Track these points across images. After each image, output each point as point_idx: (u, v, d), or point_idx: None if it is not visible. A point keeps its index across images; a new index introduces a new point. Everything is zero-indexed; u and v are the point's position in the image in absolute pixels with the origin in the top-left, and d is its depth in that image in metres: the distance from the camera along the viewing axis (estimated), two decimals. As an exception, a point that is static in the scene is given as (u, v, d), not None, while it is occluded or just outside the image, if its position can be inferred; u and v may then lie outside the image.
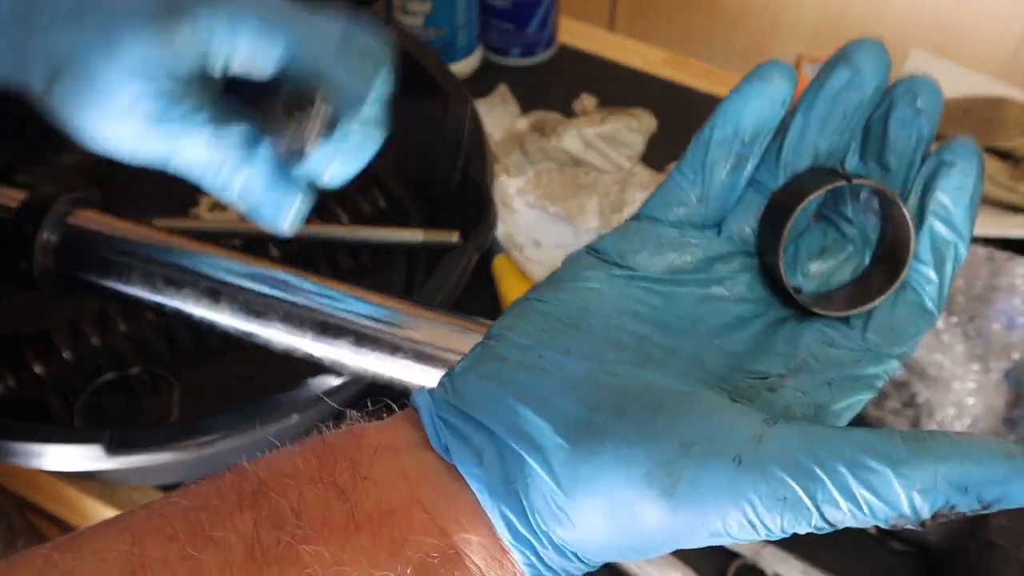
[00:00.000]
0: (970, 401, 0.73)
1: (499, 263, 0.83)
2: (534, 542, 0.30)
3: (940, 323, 0.76)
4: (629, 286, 0.34)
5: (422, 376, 0.58)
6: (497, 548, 0.30)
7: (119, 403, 0.74)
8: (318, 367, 0.60)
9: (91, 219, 0.65)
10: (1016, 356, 0.75)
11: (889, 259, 0.35)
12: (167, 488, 0.71)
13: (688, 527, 0.28)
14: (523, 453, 0.29)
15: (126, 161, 0.49)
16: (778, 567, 0.68)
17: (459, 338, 0.58)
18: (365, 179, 0.90)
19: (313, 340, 0.59)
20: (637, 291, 0.34)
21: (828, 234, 0.38)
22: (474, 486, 0.30)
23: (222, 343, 0.74)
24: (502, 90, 1.00)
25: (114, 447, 0.58)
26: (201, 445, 0.59)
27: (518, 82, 1.01)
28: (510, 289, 0.82)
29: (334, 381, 0.61)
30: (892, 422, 0.76)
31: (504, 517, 0.30)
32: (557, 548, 0.30)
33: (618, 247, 0.35)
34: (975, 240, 0.79)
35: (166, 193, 0.88)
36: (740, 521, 0.27)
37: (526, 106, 0.98)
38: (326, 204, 0.84)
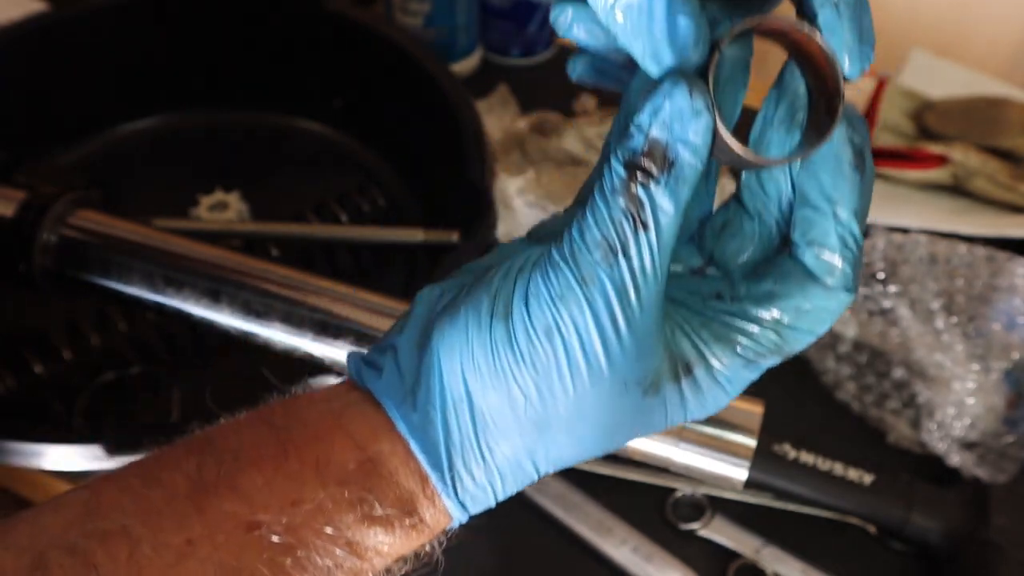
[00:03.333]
0: (970, 401, 0.73)
1: (499, 263, 0.83)
2: (434, 438, 0.34)
3: (940, 323, 0.76)
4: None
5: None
6: (407, 452, 0.34)
7: (119, 403, 0.74)
8: (318, 367, 0.60)
9: (91, 219, 0.65)
10: (1016, 356, 0.75)
11: (819, 106, 0.33)
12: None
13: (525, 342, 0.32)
14: (392, 354, 0.35)
15: None
16: (778, 567, 0.68)
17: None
18: (365, 179, 0.90)
19: (313, 340, 0.59)
20: None
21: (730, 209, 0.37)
22: (380, 400, 0.35)
23: (222, 343, 0.74)
24: (502, 90, 1.00)
25: (114, 447, 0.58)
26: (201, 445, 0.59)
27: (518, 82, 1.01)
28: (510, 289, 0.82)
29: (334, 381, 0.61)
30: (892, 422, 0.76)
31: (404, 418, 0.34)
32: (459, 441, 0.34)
33: (548, 227, 0.38)
34: (975, 240, 0.79)
35: (166, 193, 0.88)
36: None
37: (526, 106, 0.98)
38: (326, 204, 0.84)
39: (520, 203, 0.85)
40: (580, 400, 0.33)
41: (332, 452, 0.34)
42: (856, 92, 0.91)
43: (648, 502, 0.71)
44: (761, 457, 0.67)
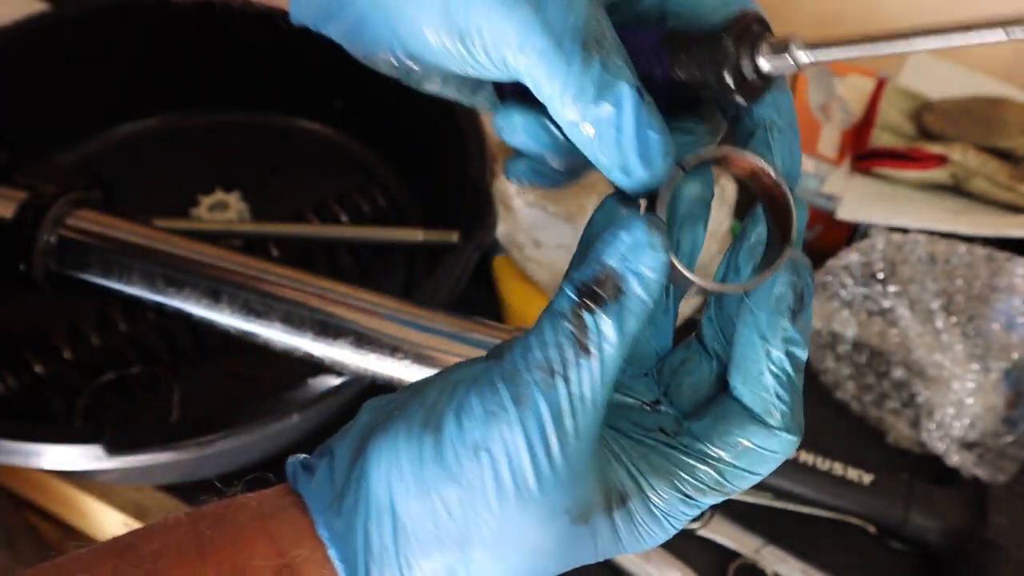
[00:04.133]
0: (969, 401, 0.73)
1: (499, 263, 0.83)
2: (354, 547, 0.33)
3: (939, 323, 0.76)
4: None
5: (421, 376, 0.58)
6: (325, 558, 0.33)
7: (119, 403, 0.74)
8: (318, 367, 0.60)
9: (91, 219, 0.65)
10: (1015, 356, 0.75)
11: (775, 241, 0.34)
12: (167, 488, 0.71)
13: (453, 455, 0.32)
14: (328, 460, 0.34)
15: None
16: (778, 566, 0.68)
17: (458, 338, 0.58)
18: (365, 179, 0.90)
19: (313, 340, 0.59)
20: None
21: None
22: (308, 503, 0.34)
23: (222, 343, 0.74)
24: (502, 90, 0.99)
25: (114, 447, 0.58)
26: (201, 445, 0.59)
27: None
28: (510, 289, 0.82)
29: (334, 381, 0.61)
30: (892, 422, 0.76)
31: (327, 524, 0.33)
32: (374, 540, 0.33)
33: (504, 348, 0.37)
34: (975, 240, 0.79)
35: (166, 193, 0.88)
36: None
37: (526, 106, 0.98)
38: (326, 204, 0.84)
39: (520, 203, 0.85)
40: (505, 522, 0.32)
41: (252, 557, 0.33)
42: (856, 92, 0.91)
43: (648, 502, 0.71)
44: (761, 457, 0.67)
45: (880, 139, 0.87)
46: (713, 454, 0.34)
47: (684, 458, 0.34)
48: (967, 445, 0.73)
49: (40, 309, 0.73)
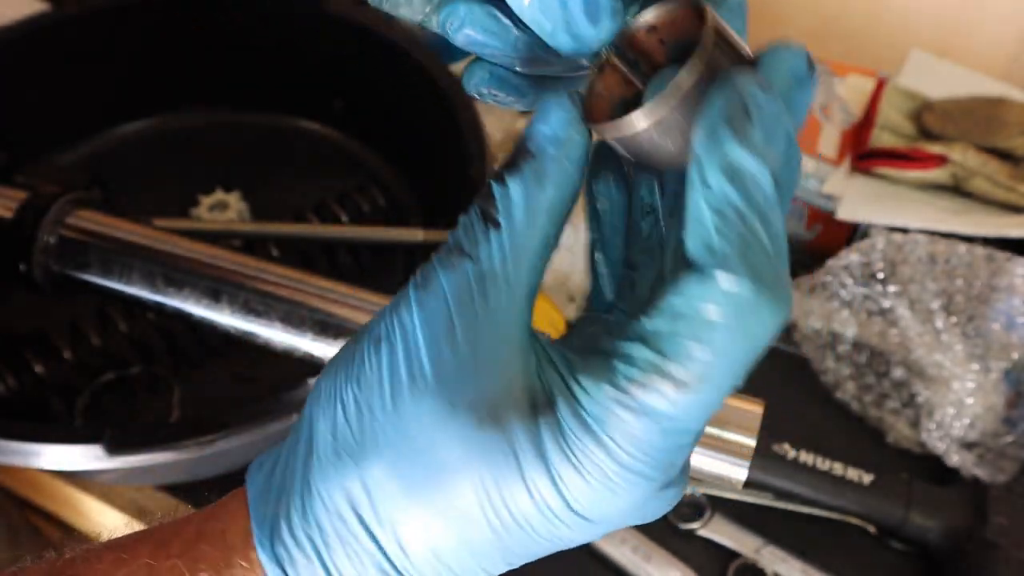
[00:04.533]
0: (970, 401, 0.73)
1: (499, 263, 0.83)
2: (268, 483, 0.31)
3: (939, 322, 0.76)
4: None
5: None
6: (242, 502, 0.31)
7: (119, 403, 0.74)
8: (318, 367, 0.60)
9: (91, 219, 0.65)
10: (1015, 356, 0.75)
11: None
12: (167, 488, 0.71)
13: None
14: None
15: None
16: (778, 566, 0.68)
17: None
18: (365, 179, 0.90)
19: (313, 340, 0.59)
20: None
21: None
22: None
23: (222, 343, 0.74)
24: (502, 90, 0.99)
25: (114, 447, 0.58)
26: (201, 445, 0.59)
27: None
28: (510, 289, 0.82)
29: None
30: (892, 422, 0.76)
31: (259, 466, 0.31)
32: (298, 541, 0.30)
33: None
34: (975, 240, 0.79)
35: (166, 193, 0.88)
36: None
37: (526, 106, 0.98)
38: (326, 204, 0.84)
39: (520, 203, 0.85)
40: (399, 421, 0.28)
41: (198, 560, 0.30)
42: (856, 92, 0.91)
43: (648, 502, 0.71)
44: (761, 457, 0.67)
45: (880, 139, 0.87)
46: (648, 327, 0.27)
47: (620, 345, 0.28)
48: (967, 445, 0.73)
49: (40, 309, 0.73)
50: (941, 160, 0.83)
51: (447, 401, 0.27)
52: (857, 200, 0.82)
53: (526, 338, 0.29)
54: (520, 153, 0.29)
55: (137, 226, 0.65)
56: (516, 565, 0.30)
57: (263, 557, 0.30)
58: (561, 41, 0.30)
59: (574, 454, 0.27)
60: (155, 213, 0.76)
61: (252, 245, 0.79)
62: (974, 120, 0.86)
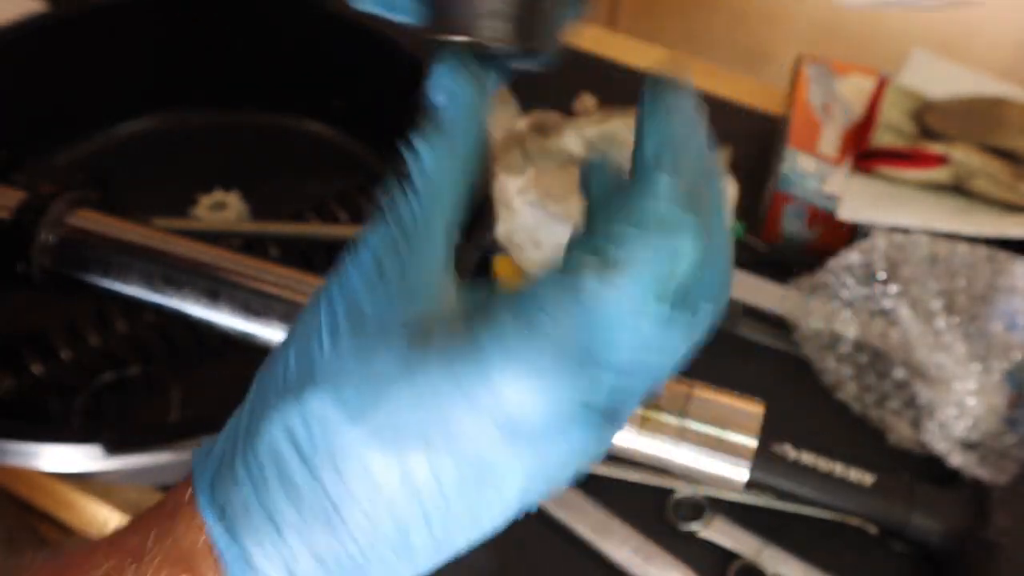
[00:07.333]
0: (971, 401, 0.73)
1: (499, 263, 0.83)
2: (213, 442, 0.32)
3: (941, 323, 0.76)
4: None
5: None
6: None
7: (118, 403, 0.74)
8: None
9: (90, 219, 0.64)
10: (1017, 356, 0.75)
11: None
12: (167, 488, 0.71)
13: None
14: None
15: None
16: (779, 568, 0.68)
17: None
18: (365, 179, 0.90)
19: (312, 340, 0.59)
20: None
21: None
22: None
23: (221, 343, 0.74)
24: (501, 90, 0.99)
25: (113, 447, 0.58)
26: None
27: (518, 82, 1.00)
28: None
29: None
30: (893, 423, 0.75)
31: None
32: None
33: None
34: (976, 240, 0.79)
35: (166, 193, 0.88)
36: None
37: (526, 106, 0.98)
38: (326, 204, 0.84)
39: (520, 203, 0.85)
40: (339, 356, 0.29)
41: (158, 553, 0.30)
42: (856, 91, 0.91)
43: (648, 503, 0.71)
44: (762, 458, 0.67)
45: (881, 139, 0.86)
46: (584, 232, 0.31)
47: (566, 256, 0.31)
48: (969, 446, 0.73)
49: (39, 309, 0.73)
50: (942, 160, 0.83)
51: (381, 328, 0.29)
52: (858, 200, 0.82)
53: (447, 270, 0.32)
54: (423, 114, 0.32)
55: (136, 226, 0.64)
56: (455, 499, 0.30)
57: (202, 501, 0.30)
58: None
59: (503, 345, 0.28)
60: (154, 213, 0.76)
61: (251, 245, 0.79)
62: (976, 120, 0.86)
